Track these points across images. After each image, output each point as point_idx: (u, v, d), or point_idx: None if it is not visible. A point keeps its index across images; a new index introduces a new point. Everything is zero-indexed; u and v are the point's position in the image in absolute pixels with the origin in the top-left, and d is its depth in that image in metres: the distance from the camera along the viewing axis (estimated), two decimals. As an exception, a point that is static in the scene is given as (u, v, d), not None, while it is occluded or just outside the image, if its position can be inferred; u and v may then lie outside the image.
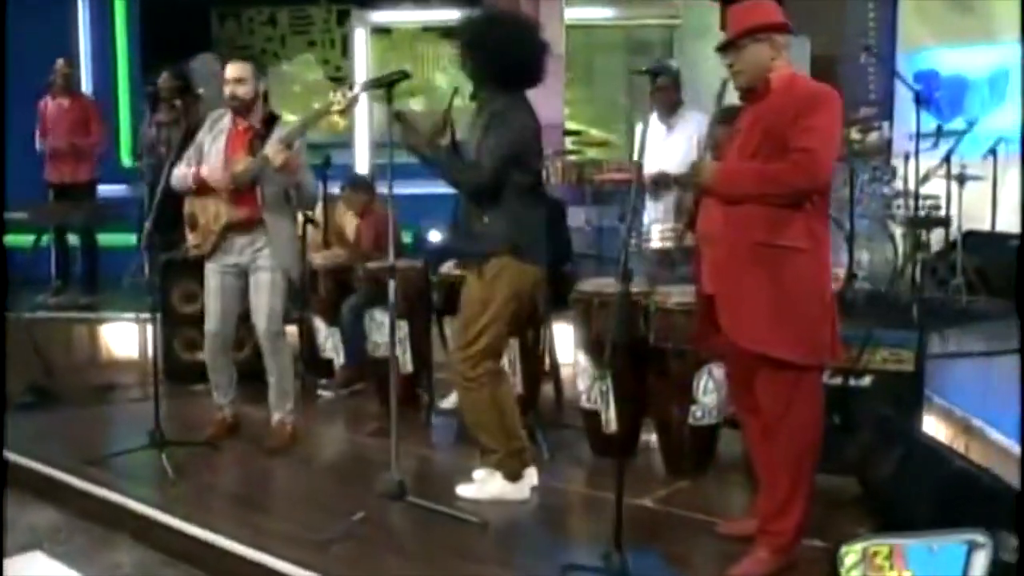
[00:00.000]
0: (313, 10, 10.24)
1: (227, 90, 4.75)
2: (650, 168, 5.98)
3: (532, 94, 4.18)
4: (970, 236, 6.98)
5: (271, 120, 4.81)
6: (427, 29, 10.10)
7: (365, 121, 9.08)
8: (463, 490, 4.20)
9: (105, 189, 8.05)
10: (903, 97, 8.24)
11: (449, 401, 5.70)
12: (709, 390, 4.35)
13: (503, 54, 4.00)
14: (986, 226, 7.29)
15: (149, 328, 6.84)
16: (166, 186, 4.71)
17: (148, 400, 5.89)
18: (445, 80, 9.56)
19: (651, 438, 4.76)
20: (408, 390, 5.59)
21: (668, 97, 5.87)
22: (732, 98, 4.30)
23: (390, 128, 3.98)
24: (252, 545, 3.75)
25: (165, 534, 4.05)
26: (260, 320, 4.83)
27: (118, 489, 4.36)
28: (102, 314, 7.23)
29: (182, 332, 6.26)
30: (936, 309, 6.19)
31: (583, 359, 4.66)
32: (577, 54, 9.33)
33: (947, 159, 6.59)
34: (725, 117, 4.31)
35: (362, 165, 9.10)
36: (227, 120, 4.84)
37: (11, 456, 4.78)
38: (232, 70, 4.77)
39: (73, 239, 7.79)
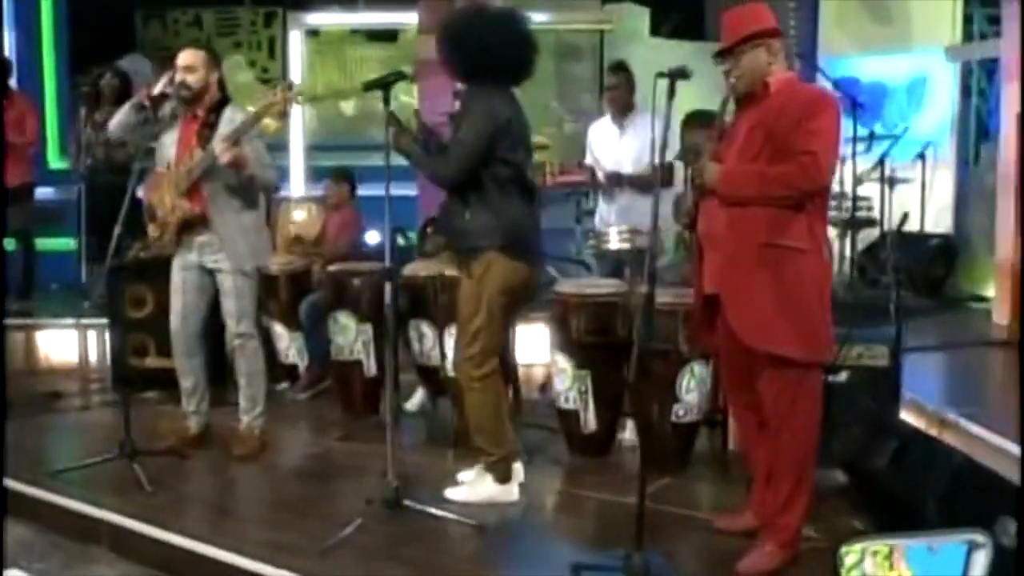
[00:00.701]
0: (240, 11, 9.96)
1: (176, 78, 4.52)
2: (603, 167, 5.98)
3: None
4: (898, 236, 7.17)
5: (221, 105, 4.58)
6: (355, 32, 9.93)
7: (299, 124, 8.86)
8: (452, 493, 4.11)
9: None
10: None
11: (412, 403, 5.63)
12: (691, 388, 4.35)
13: (473, 48, 3.90)
14: (914, 227, 7.50)
15: (91, 334, 6.64)
16: (133, 189, 4.50)
17: (93, 409, 5.75)
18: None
19: (624, 436, 4.77)
20: (372, 393, 5.48)
21: (622, 99, 5.88)
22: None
23: (386, 128, 3.89)
24: (243, 554, 3.59)
25: (148, 545, 3.85)
26: (228, 323, 4.67)
27: (90, 501, 4.13)
28: (38, 320, 6.88)
29: (132, 338, 5.99)
30: (865, 306, 6.34)
31: (561, 360, 4.60)
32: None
33: (881, 162, 6.75)
34: (702, 122, 4.35)
35: (297, 168, 8.89)
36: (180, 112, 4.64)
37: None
38: (183, 58, 4.55)
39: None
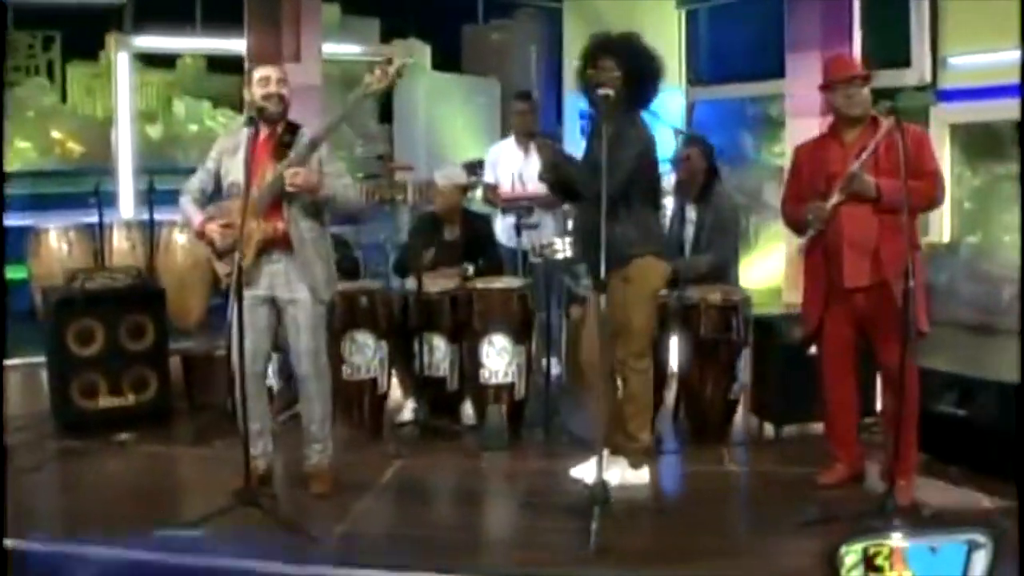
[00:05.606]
0: (16, 35, 8.03)
1: (264, 91, 3.62)
2: (506, 186, 5.67)
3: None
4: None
5: (293, 129, 3.70)
6: (139, 57, 8.43)
7: (128, 147, 7.35)
8: (577, 471, 3.73)
9: None
10: (569, 129, 8.89)
11: (405, 415, 4.88)
12: (742, 370, 4.35)
13: (651, 77, 3.70)
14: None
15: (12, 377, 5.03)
16: None
17: (66, 459, 4.29)
18: (182, 106, 8.06)
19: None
20: (379, 409, 4.71)
21: (528, 124, 5.63)
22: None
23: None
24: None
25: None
26: (305, 363, 3.72)
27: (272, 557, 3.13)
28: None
29: (80, 377, 4.63)
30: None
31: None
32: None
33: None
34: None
35: (126, 191, 7.35)
36: (243, 135, 3.63)
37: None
38: (272, 71, 3.69)
39: None
